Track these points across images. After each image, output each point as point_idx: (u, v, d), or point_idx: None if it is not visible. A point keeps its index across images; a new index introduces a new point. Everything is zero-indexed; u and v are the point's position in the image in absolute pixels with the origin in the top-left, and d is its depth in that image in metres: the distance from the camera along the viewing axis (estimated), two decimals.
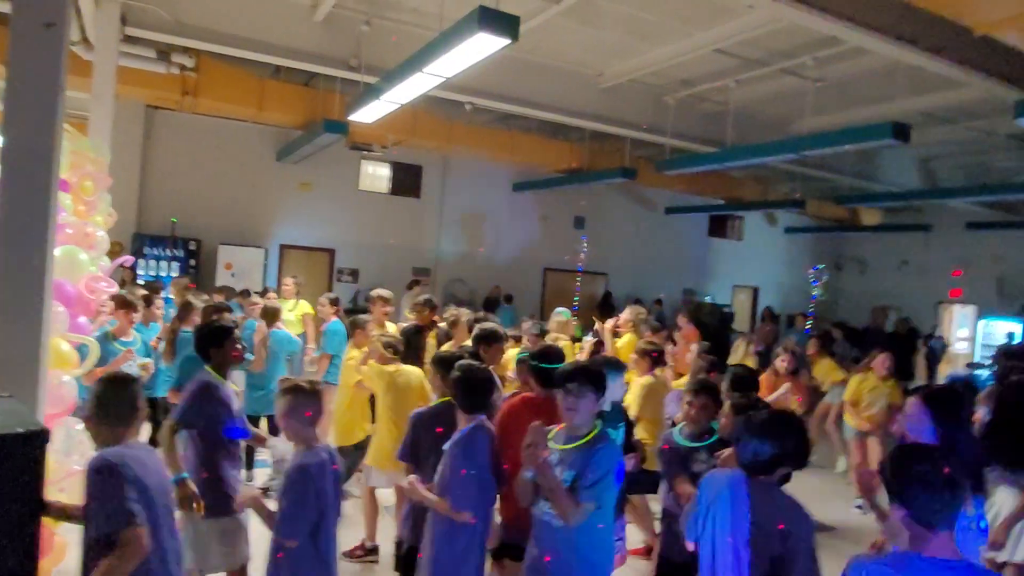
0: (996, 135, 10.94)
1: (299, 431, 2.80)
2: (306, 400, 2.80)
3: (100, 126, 7.18)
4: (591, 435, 2.74)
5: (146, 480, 2.35)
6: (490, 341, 4.43)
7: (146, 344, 5.35)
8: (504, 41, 4.99)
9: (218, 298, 7.65)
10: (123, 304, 5.07)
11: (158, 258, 11.32)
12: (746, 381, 4.08)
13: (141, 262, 11.00)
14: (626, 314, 6.58)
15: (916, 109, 9.31)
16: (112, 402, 2.49)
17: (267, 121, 11.25)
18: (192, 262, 11.59)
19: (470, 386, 3.10)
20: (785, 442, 2.45)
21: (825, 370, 7.49)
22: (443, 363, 3.62)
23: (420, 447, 3.36)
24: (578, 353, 6.42)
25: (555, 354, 3.56)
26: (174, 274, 11.25)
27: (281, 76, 9.99)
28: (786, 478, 2.54)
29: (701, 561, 2.55)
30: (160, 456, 2.74)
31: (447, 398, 3.39)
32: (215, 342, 3.48)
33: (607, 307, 14.87)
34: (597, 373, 2.82)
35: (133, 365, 4.82)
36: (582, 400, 2.72)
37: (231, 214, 12.23)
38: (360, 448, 5.19)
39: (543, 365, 3.43)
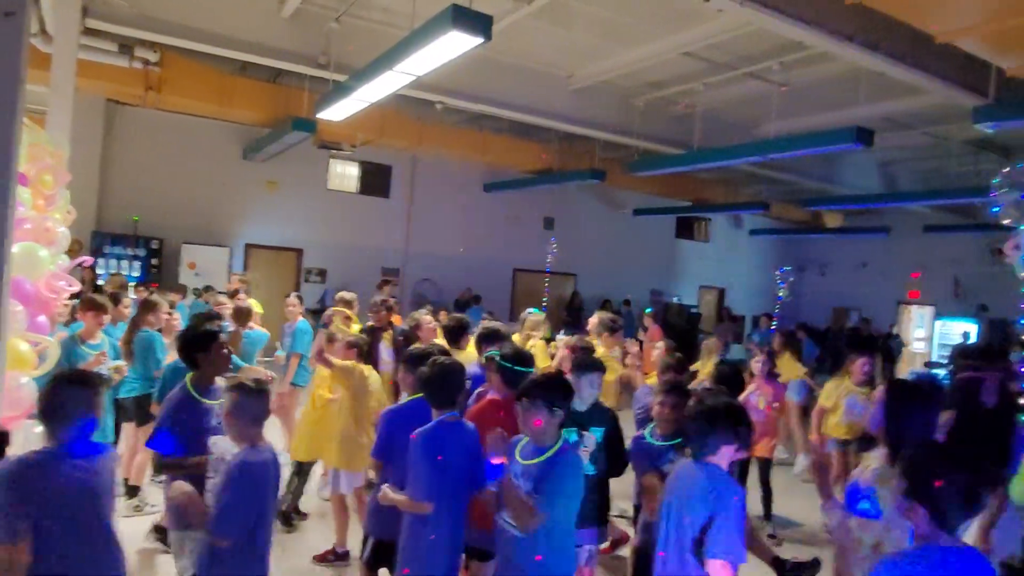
0: (952, 141, 11.28)
1: (243, 430, 2.74)
2: (251, 399, 2.75)
3: (59, 120, 6.95)
4: (553, 449, 2.76)
5: (50, 490, 2.30)
6: (492, 340, 4.45)
7: (114, 346, 5.18)
8: (477, 40, 4.98)
9: (173, 296, 7.45)
10: (91, 306, 4.89)
11: (119, 257, 11.05)
12: (730, 379, 4.12)
13: (101, 261, 10.71)
14: (593, 319, 6.65)
15: (877, 115, 9.54)
16: (60, 401, 2.42)
17: (233, 118, 11.06)
18: (154, 261, 11.35)
19: (436, 382, 3.12)
20: (720, 424, 2.58)
21: (786, 365, 7.57)
22: (414, 360, 3.61)
23: (395, 445, 3.34)
24: (553, 351, 6.45)
25: (526, 359, 3.62)
26: (135, 273, 11.01)
27: (248, 73, 9.83)
28: (743, 463, 2.64)
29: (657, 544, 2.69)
30: (105, 458, 2.60)
31: (419, 394, 3.38)
32: (201, 347, 3.37)
33: (575, 309, 15.04)
34: (552, 386, 2.83)
35: (104, 368, 4.66)
36: (532, 415, 2.75)
37: (195, 213, 11.99)
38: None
39: (515, 367, 3.47)
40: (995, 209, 4.47)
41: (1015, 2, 4.90)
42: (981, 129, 6.91)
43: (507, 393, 3.41)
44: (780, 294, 11.83)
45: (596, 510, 3.63)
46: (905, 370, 14.23)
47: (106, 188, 11.37)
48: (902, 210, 15.16)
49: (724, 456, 2.58)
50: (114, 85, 9.10)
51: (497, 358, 3.62)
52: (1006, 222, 4.50)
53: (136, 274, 11.00)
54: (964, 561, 1.90)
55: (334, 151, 12.28)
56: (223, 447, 2.91)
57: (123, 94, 9.86)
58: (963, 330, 15.21)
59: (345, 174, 13.63)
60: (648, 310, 9.95)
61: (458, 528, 3.05)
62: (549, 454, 2.75)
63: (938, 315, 16.67)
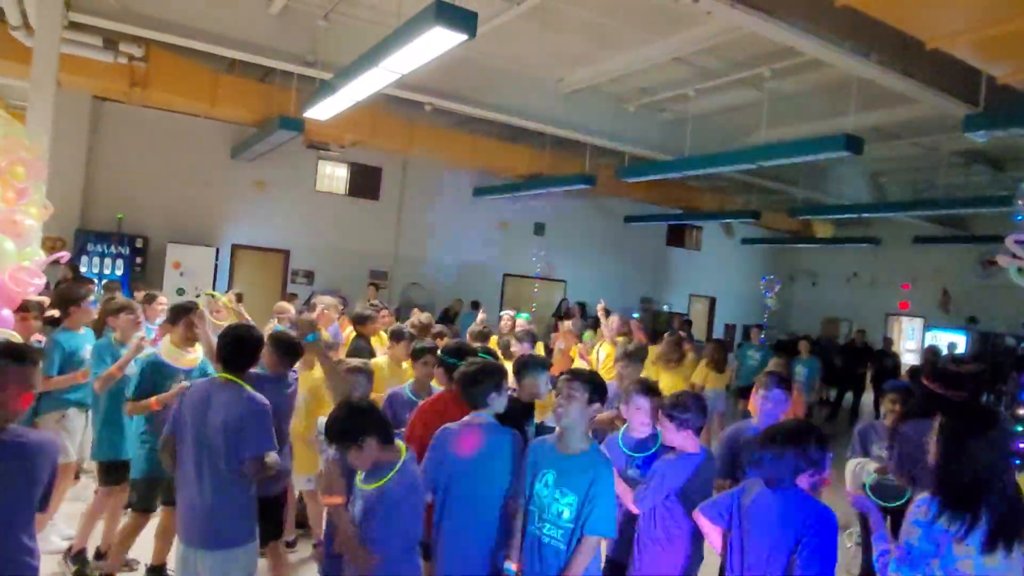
0: (942, 151, 11.28)
1: None
2: None
3: (40, 115, 6.82)
4: (389, 475, 2.62)
5: None
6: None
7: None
8: (461, 37, 4.90)
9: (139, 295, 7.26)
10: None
11: (102, 255, 10.89)
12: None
13: (84, 259, 10.56)
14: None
15: (867, 125, 9.48)
16: None
17: (220, 116, 10.94)
18: (138, 260, 11.19)
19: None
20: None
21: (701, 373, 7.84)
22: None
23: None
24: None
25: (467, 350, 3.69)
26: (119, 272, 10.86)
27: (235, 70, 9.72)
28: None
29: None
30: None
31: None
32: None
33: (563, 316, 14.94)
34: (359, 420, 2.65)
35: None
36: (364, 451, 2.62)
37: (181, 212, 11.85)
38: None
39: (451, 360, 3.52)
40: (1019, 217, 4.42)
41: (1006, 7, 4.84)
42: (972, 138, 6.87)
43: (452, 386, 3.42)
44: (767, 303, 11.76)
45: None
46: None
47: (91, 186, 11.22)
48: (892, 221, 15.16)
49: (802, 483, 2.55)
50: (99, 81, 8.97)
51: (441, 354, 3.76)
52: None
53: (119, 272, 10.85)
54: None
55: (323, 152, 12.18)
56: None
57: (108, 90, 9.74)
58: (950, 340, 15.08)
59: (334, 175, 13.52)
60: (635, 315, 9.86)
61: None
62: (387, 479, 2.60)
63: (928, 326, 16.65)
